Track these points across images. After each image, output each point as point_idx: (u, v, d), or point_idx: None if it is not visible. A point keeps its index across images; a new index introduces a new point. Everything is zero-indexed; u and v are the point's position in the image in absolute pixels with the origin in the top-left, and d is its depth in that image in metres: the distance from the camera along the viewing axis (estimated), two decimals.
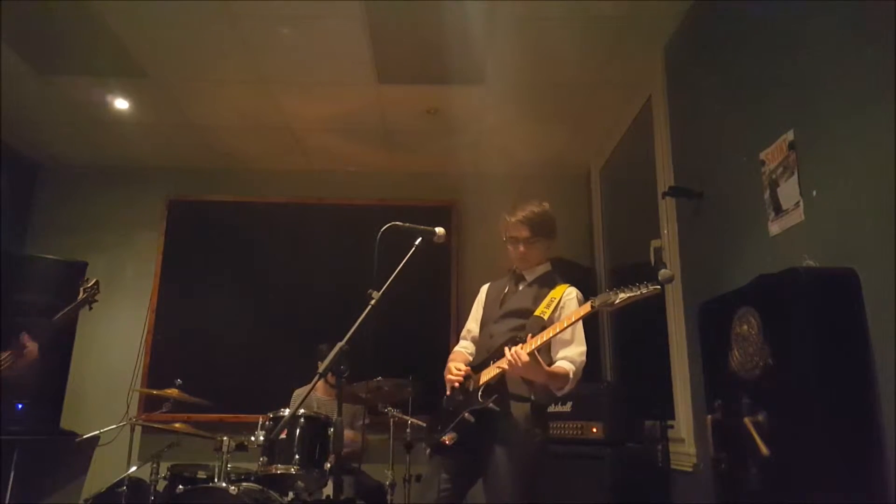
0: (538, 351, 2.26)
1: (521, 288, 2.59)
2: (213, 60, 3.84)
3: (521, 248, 2.55)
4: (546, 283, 2.55)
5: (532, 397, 2.39)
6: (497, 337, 2.48)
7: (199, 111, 4.47)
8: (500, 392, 2.34)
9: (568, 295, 2.48)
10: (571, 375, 2.33)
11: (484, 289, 2.77)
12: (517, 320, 2.47)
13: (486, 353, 2.46)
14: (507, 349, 2.27)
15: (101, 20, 3.43)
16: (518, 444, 2.32)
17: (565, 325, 2.25)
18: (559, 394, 2.39)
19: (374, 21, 3.42)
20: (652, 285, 2.06)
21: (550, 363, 2.37)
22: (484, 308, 2.69)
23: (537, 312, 2.42)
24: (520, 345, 2.27)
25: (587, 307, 2.19)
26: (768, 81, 2.47)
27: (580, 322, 2.36)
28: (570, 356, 2.36)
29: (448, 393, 2.49)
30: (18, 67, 3.88)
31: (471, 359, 2.63)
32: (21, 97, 4.24)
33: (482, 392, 2.34)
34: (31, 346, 3.09)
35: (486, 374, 2.37)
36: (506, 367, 2.27)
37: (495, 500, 2.30)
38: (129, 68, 3.90)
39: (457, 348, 2.71)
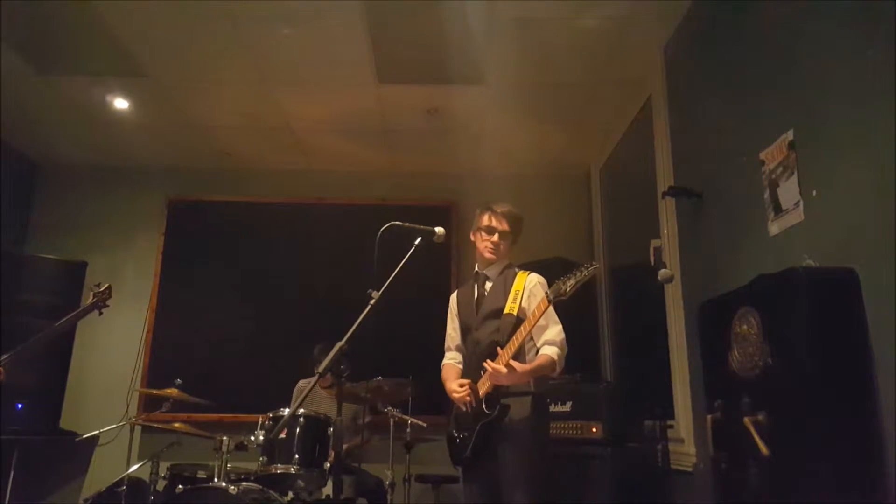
0: (515, 353, 2.42)
1: (487, 288, 2.70)
2: (213, 60, 3.84)
3: (496, 239, 2.67)
4: (507, 277, 2.68)
5: (532, 389, 2.51)
6: (482, 342, 2.60)
7: (199, 111, 4.48)
8: (500, 396, 2.46)
9: (530, 282, 2.62)
10: (556, 358, 2.47)
11: (453, 298, 2.88)
12: (493, 322, 2.59)
13: (477, 362, 2.57)
14: (486, 364, 2.42)
15: (101, 20, 3.43)
16: (525, 437, 2.44)
17: (529, 329, 2.41)
18: (554, 376, 2.55)
19: (374, 21, 3.42)
20: (592, 266, 2.28)
21: (536, 351, 2.53)
22: (459, 315, 2.79)
23: (506, 310, 2.56)
24: (495, 360, 2.41)
25: (545, 302, 2.36)
26: (768, 81, 2.47)
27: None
28: (549, 339, 2.50)
29: (462, 409, 2.58)
30: (18, 67, 3.88)
31: (461, 368, 2.75)
32: (21, 97, 4.24)
33: (486, 404, 2.47)
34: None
35: (483, 385, 2.50)
36: (491, 381, 2.44)
37: (511, 494, 2.39)
38: (129, 68, 3.90)
39: (446, 362, 2.82)
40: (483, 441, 2.46)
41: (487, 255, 2.71)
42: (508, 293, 2.60)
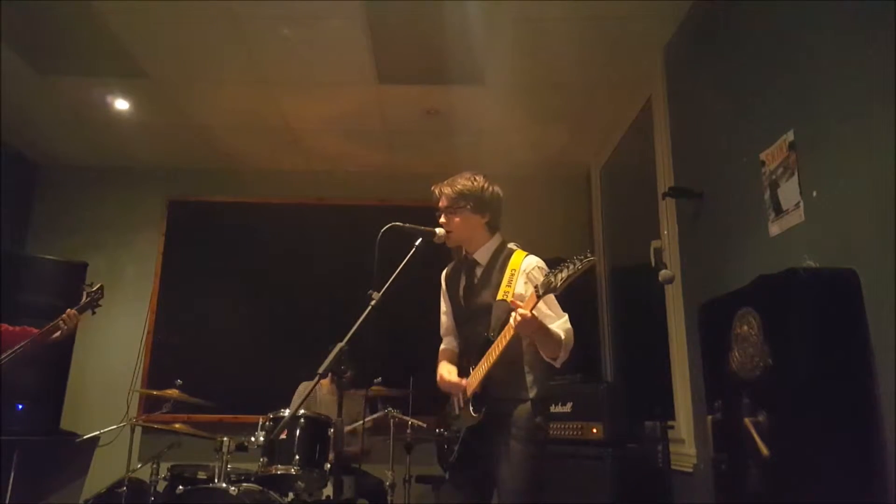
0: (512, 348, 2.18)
1: (478, 276, 2.45)
2: (213, 60, 3.84)
3: (442, 220, 2.49)
4: (500, 259, 2.41)
5: (531, 396, 2.29)
6: (470, 338, 2.39)
7: (199, 111, 4.47)
8: (493, 397, 2.24)
9: (528, 265, 2.34)
10: (565, 341, 2.21)
11: (444, 278, 2.65)
12: (485, 315, 2.35)
13: (466, 359, 2.38)
14: (514, 312, 2.11)
15: (101, 20, 3.43)
16: (518, 448, 2.22)
17: (533, 304, 2.09)
18: (558, 364, 2.26)
19: (374, 21, 3.42)
20: (587, 258, 1.96)
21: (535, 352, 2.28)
22: (450, 300, 2.57)
23: (499, 297, 2.31)
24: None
25: (534, 297, 2.08)
26: (768, 81, 2.47)
27: (551, 296, 2.21)
28: (557, 325, 2.24)
29: (452, 405, 2.40)
30: (18, 67, 3.88)
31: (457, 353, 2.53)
32: (21, 97, 4.24)
33: (472, 406, 2.26)
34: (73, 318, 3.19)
35: (471, 385, 2.28)
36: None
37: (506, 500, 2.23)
38: (129, 68, 3.90)
39: (444, 347, 2.60)
40: (468, 447, 2.27)
41: (447, 239, 2.47)
42: (501, 278, 2.34)
